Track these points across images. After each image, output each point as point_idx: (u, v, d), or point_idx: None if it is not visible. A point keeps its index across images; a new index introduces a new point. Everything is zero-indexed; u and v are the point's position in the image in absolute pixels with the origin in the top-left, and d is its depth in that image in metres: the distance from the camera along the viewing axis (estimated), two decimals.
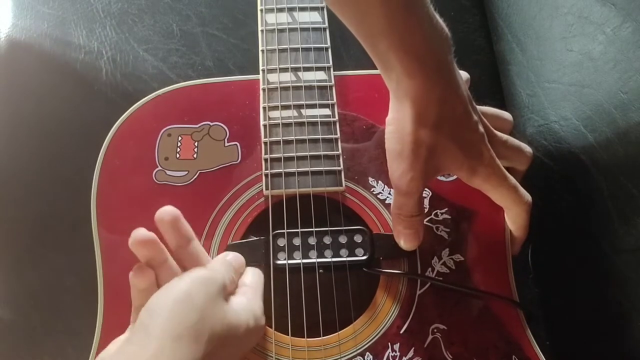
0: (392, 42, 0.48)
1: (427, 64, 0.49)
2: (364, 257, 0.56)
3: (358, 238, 0.57)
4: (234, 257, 0.54)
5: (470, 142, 0.53)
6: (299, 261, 0.55)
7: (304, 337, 0.54)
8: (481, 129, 0.54)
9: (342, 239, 0.57)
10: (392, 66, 0.49)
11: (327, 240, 0.57)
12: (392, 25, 0.47)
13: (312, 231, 0.56)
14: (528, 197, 0.57)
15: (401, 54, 0.48)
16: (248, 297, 0.51)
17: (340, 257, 0.56)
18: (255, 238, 0.56)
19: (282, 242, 0.56)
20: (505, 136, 0.58)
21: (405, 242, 0.56)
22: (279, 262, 0.55)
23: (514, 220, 0.58)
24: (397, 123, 0.51)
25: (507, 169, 0.58)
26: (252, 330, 0.49)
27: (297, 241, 0.56)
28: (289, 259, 0.56)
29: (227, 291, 0.49)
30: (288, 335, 0.54)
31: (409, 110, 0.50)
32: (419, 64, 0.49)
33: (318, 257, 0.56)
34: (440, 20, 0.50)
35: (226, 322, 0.46)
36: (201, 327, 0.45)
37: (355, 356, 0.54)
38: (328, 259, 0.56)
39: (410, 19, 0.48)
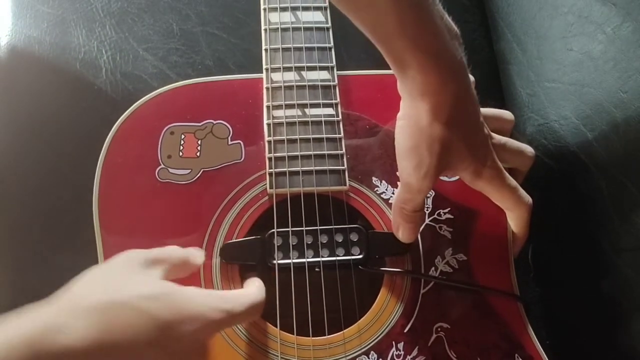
0: (406, 41, 0.48)
1: (442, 62, 0.49)
2: (360, 256, 0.57)
3: (354, 237, 0.57)
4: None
5: (477, 143, 0.53)
6: (288, 261, 0.55)
7: (309, 336, 0.54)
8: (486, 130, 0.54)
9: (338, 238, 0.57)
10: (407, 65, 0.49)
11: (323, 239, 0.57)
12: (405, 25, 0.47)
13: (309, 230, 0.56)
14: (529, 198, 0.57)
15: (416, 52, 0.48)
16: (214, 291, 0.53)
17: (336, 255, 0.56)
18: (251, 237, 0.56)
19: (278, 241, 0.56)
20: (504, 139, 0.58)
21: (403, 235, 0.56)
22: (273, 261, 0.55)
23: (515, 222, 0.59)
24: (411, 118, 0.51)
25: (509, 169, 0.58)
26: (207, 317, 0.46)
27: (293, 240, 0.56)
28: (284, 258, 0.56)
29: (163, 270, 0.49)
30: (293, 334, 0.54)
31: (424, 106, 0.50)
32: (434, 62, 0.48)
33: (314, 256, 0.56)
34: (449, 19, 0.50)
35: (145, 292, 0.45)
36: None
37: (360, 355, 0.54)
38: (324, 257, 0.56)
39: (422, 17, 0.48)
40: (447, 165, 0.53)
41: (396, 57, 0.49)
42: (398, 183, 0.59)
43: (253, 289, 0.53)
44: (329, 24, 0.63)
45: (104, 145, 0.57)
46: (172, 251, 0.52)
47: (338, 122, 0.59)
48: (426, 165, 0.51)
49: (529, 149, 0.60)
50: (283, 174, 0.57)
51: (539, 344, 0.57)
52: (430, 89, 0.49)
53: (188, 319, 0.44)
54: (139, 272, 0.47)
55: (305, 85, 0.60)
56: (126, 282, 0.46)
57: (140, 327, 0.42)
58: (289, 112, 0.59)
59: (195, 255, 0.54)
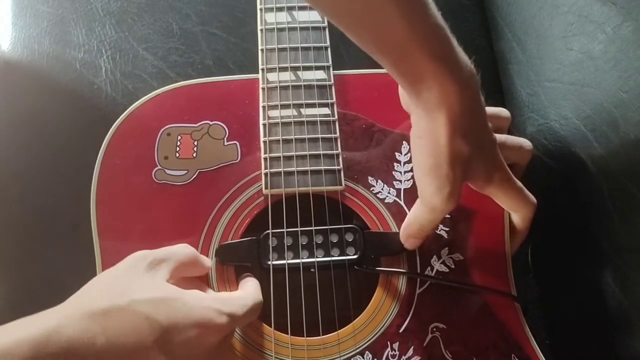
0: (420, 50, 0.45)
1: (456, 69, 0.47)
2: (355, 256, 0.57)
3: (349, 237, 0.57)
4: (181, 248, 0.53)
5: (488, 150, 0.52)
6: (283, 262, 0.56)
7: (303, 336, 0.54)
8: (493, 135, 0.53)
9: (334, 238, 0.57)
10: (421, 76, 0.47)
11: (318, 239, 0.57)
12: (416, 35, 0.45)
13: (304, 230, 0.56)
14: (534, 199, 0.57)
15: (431, 60, 0.46)
16: (216, 295, 0.52)
17: (331, 256, 0.56)
18: (247, 238, 0.56)
19: (273, 242, 0.56)
20: (504, 136, 0.58)
21: (412, 246, 0.56)
22: (268, 262, 0.55)
23: (520, 223, 0.58)
24: (430, 135, 0.49)
25: (508, 165, 0.57)
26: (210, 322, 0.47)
27: (288, 241, 0.56)
28: (279, 259, 0.56)
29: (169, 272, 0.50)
30: (287, 334, 0.54)
31: (443, 120, 0.47)
32: (449, 69, 0.46)
33: (309, 256, 0.56)
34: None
35: (152, 295, 0.46)
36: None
37: (354, 355, 0.54)
38: (319, 258, 0.56)
39: (431, 25, 0.46)
40: (466, 178, 0.51)
41: (408, 70, 0.47)
42: (394, 183, 0.59)
43: (251, 290, 0.53)
44: (326, 23, 0.63)
45: (102, 147, 0.58)
46: (179, 250, 0.52)
47: (334, 121, 0.59)
48: (450, 185, 0.49)
49: (527, 143, 0.60)
50: (278, 174, 0.57)
51: (535, 344, 0.57)
52: (447, 98, 0.47)
53: (190, 325, 0.45)
54: (143, 275, 0.48)
55: (301, 85, 0.60)
56: (130, 286, 0.46)
57: (142, 331, 0.43)
58: (285, 112, 0.59)
59: (206, 259, 0.55)
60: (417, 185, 0.52)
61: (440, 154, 0.48)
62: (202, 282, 0.54)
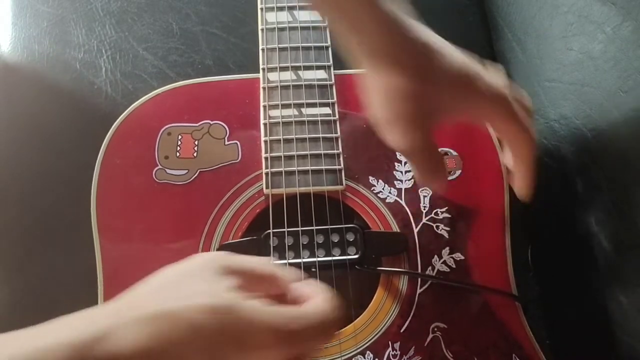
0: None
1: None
2: (356, 256, 0.57)
3: (350, 236, 0.57)
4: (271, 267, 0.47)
5: (451, 73, 0.48)
6: (285, 262, 0.55)
7: None
8: (463, 67, 0.48)
9: (335, 238, 0.57)
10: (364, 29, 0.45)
11: (319, 239, 0.57)
12: None
13: (305, 230, 0.56)
14: (534, 133, 0.51)
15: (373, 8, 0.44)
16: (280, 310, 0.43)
17: (332, 255, 0.56)
18: (247, 238, 0.56)
19: (274, 241, 0.56)
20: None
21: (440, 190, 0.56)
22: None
23: (526, 158, 0.52)
24: (380, 93, 0.47)
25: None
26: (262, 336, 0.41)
27: (289, 240, 0.56)
28: (280, 258, 0.56)
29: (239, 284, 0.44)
30: None
31: (383, 67, 0.46)
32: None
33: (310, 256, 0.56)
34: None
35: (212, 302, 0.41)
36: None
37: (355, 355, 0.54)
38: (320, 258, 0.56)
39: None
40: (432, 112, 0.48)
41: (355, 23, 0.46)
42: (395, 182, 0.59)
43: (321, 307, 0.44)
44: (326, 23, 0.63)
45: (102, 146, 0.58)
46: (258, 266, 0.46)
47: (335, 121, 0.59)
48: (412, 127, 0.47)
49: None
50: (279, 173, 0.57)
51: (536, 343, 0.57)
52: (380, 38, 0.45)
53: (242, 341, 0.41)
54: (209, 279, 0.44)
55: (302, 85, 0.60)
56: (191, 289, 0.43)
57: (190, 341, 0.40)
58: (286, 111, 0.59)
59: (287, 276, 0.47)
60: (389, 144, 0.49)
61: (391, 103, 0.47)
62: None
